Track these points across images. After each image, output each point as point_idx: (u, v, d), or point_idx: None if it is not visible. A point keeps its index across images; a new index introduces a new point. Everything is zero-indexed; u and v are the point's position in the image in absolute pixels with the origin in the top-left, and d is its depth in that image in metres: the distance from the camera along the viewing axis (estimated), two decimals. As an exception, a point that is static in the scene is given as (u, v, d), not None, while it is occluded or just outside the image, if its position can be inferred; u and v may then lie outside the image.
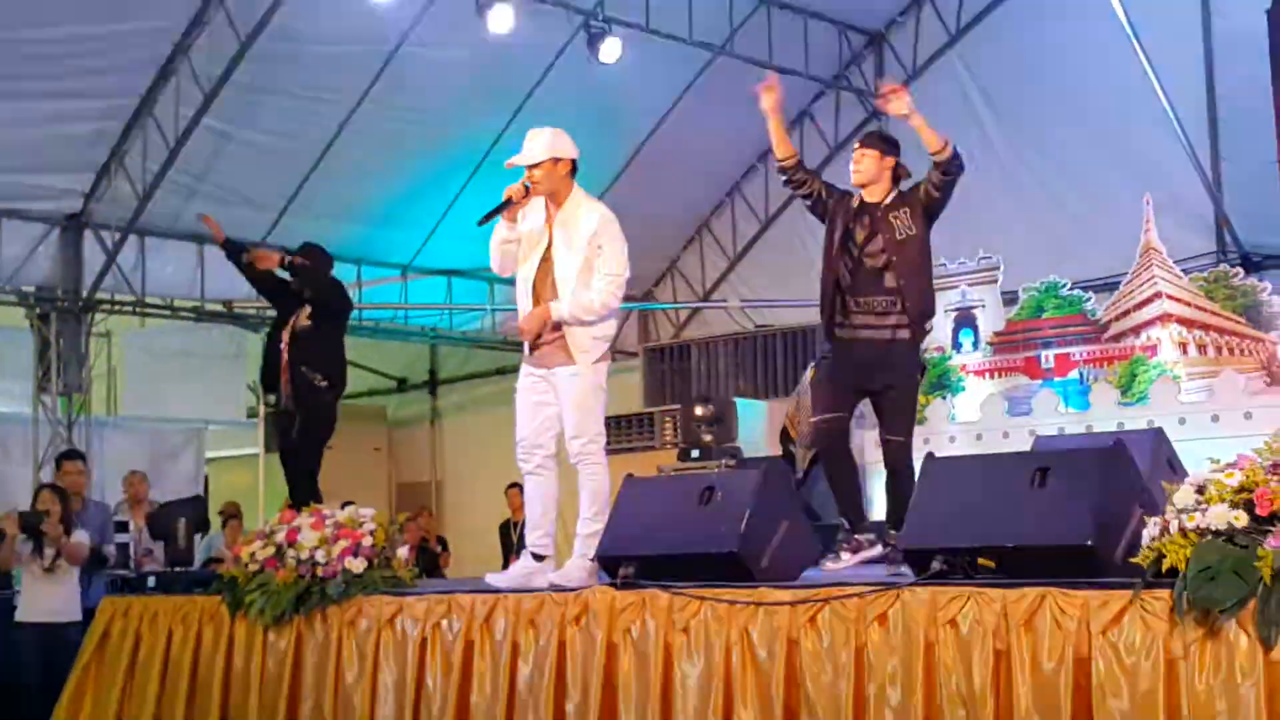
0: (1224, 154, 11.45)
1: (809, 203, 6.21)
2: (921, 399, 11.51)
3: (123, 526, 9.17)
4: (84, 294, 11.75)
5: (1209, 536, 3.73)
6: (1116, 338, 10.80)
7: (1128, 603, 3.89)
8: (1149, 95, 10.99)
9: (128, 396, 13.65)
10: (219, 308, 12.63)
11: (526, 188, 5.83)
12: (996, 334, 11.41)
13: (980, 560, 4.36)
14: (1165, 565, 3.81)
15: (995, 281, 11.49)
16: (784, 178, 6.31)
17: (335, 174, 12.29)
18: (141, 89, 10.99)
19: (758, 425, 12.32)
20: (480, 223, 6.01)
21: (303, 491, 7.43)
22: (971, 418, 11.20)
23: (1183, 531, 3.78)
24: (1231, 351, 10.26)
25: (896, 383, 5.91)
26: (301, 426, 7.75)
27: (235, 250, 8.66)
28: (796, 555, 5.27)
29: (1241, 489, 3.73)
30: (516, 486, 12.82)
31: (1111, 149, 11.79)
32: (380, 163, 12.49)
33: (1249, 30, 10.36)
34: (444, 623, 5.54)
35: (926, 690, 4.25)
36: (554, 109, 12.29)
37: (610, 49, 11.74)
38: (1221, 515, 3.71)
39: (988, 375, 11.39)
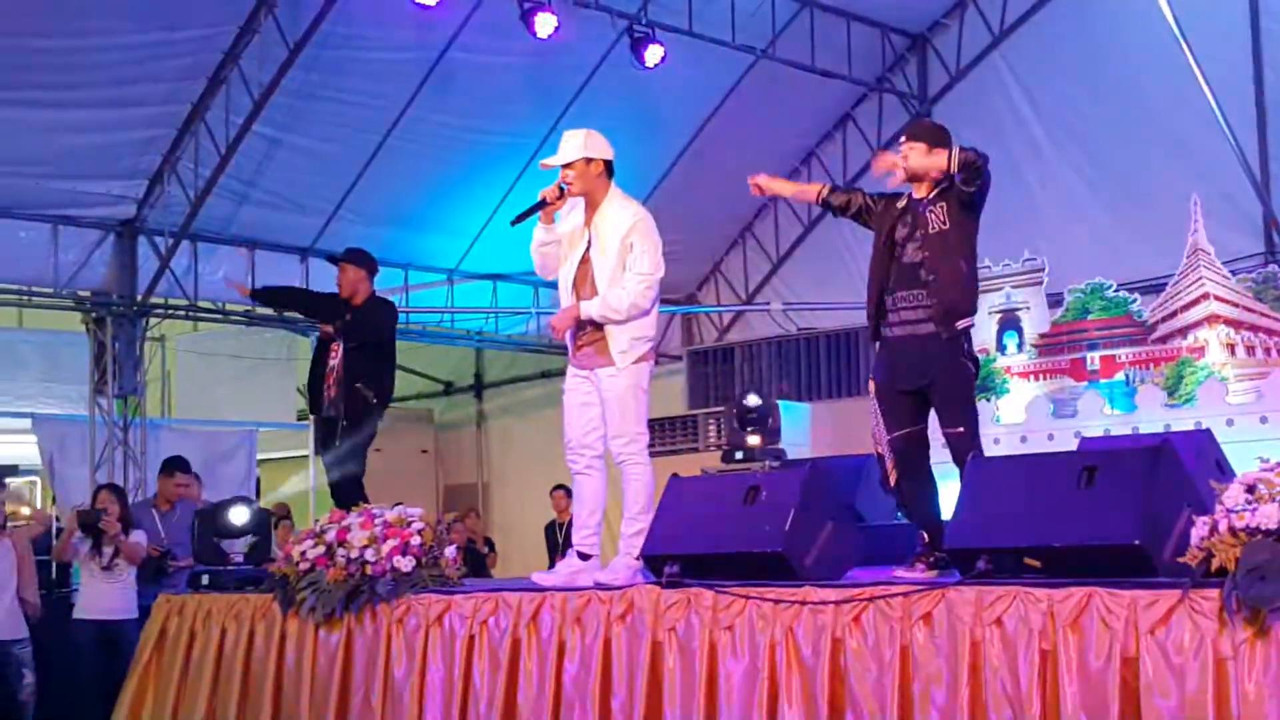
0: (1273, 154, 11.35)
1: (858, 220, 6.12)
2: (966, 401, 11.49)
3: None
4: (138, 299, 11.91)
5: (1259, 535, 3.72)
6: (1163, 339, 10.74)
7: (1176, 602, 3.88)
8: (1196, 95, 10.91)
9: (181, 399, 13.84)
10: (269, 312, 12.74)
11: (561, 189, 5.89)
12: (1041, 336, 11.37)
13: (1026, 560, 4.35)
14: (1214, 565, 3.80)
15: (1040, 283, 11.45)
16: (830, 213, 6.25)
17: (382, 179, 12.40)
18: (193, 96, 11.12)
19: (801, 428, 12.34)
20: (514, 222, 6.08)
21: (351, 496, 7.51)
22: (1016, 420, 11.16)
23: (1232, 531, 3.77)
24: (1281, 353, 10.19)
25: (940, 377, 5.74)
26: (345, 436, 7.82)
27: (266, 296, 8.92)
28: (841, 554, 5.28)
29: (1292, 488, 3.72)
30: (562, 488, 12.90)
31: (1158, 149, 11.72)
32: (426, 167, 12.59)
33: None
34: (491, 621, 5.59)
35: (972, 690, 4.26)
36: (598, 113, 12.35)
37: (653, 53, 11.79)
38: (1272, 514, 3.70)
39: (1032, 377, 11.35)
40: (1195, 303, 10.60)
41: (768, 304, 14.63)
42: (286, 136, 11.66)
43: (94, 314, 11.91)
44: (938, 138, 5.86)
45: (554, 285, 6.23)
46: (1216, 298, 10.52)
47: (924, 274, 5.73)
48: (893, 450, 5.78)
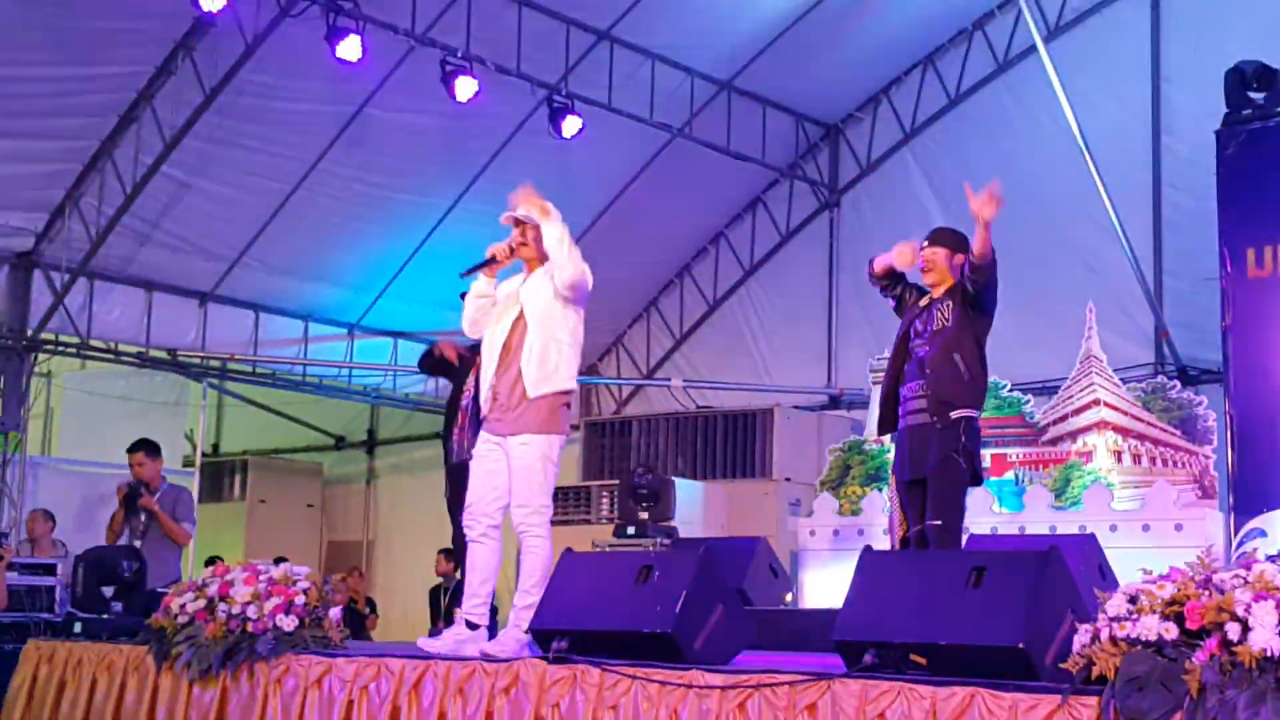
0: (1167, 267, 11.69)
1: (895, 304, 6.56)
2: (858, 490, 11.59)
3: (50, 569, 9.07)
4: (29, 333, 11.67)
5: (1139, 646, 3.77)
6: (1053, 441, 10.94)
7: (1055, 708, 3.91)
8: (1097, 205, 11.21)
9: (64, 438, 13.53)
10: (163, 354, 12.56)
11: (511, 248, 5.89)
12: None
13: (912, 656, 4.39)
14: (1094, 673, 3.84)
15: (936, 378, 11.59)
16: (877, 288, 6.67)
17: (289, 229, 12.32)
18: (103, 133, 11.00)
19: (694, 506, 12.35)
20: (463, 274, 6.01)
21: None
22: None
23: (1113, 640, 3.82)
24: (1165, 463, 10.42)
25: (930, 470, 6.09)
26: None
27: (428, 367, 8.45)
28: (730, 638, 5.28)
29: (1173, 601, 3.78)
30: (445, 551, 12.77)
31: (1057, 256, 11.99)
32: (334, 221, 12.53)
33: (1197, 148, 10.62)
34: (372, 686, 5.49)
35: (851, 782, 4.27)
36: (512, 179, 12.18)
37: (571, 124, 11.87)
38: (1152, 626, 3.75)
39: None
40: (1086, 408, 10.83)
41: (668, 380, 14.70)
42: (195, 180, 11.56)
43: (-19, 346, 11.66)
44: (958, 243, 6.31)
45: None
46: (1106, 404, 10.75)
47: (927, 369, 6.13)
48: (903, 546, 6.01)
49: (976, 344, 6.25)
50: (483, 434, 5.94)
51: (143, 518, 8.68)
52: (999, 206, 6.21)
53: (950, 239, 6.38)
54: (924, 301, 6.34)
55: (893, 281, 6.56)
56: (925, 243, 6.37)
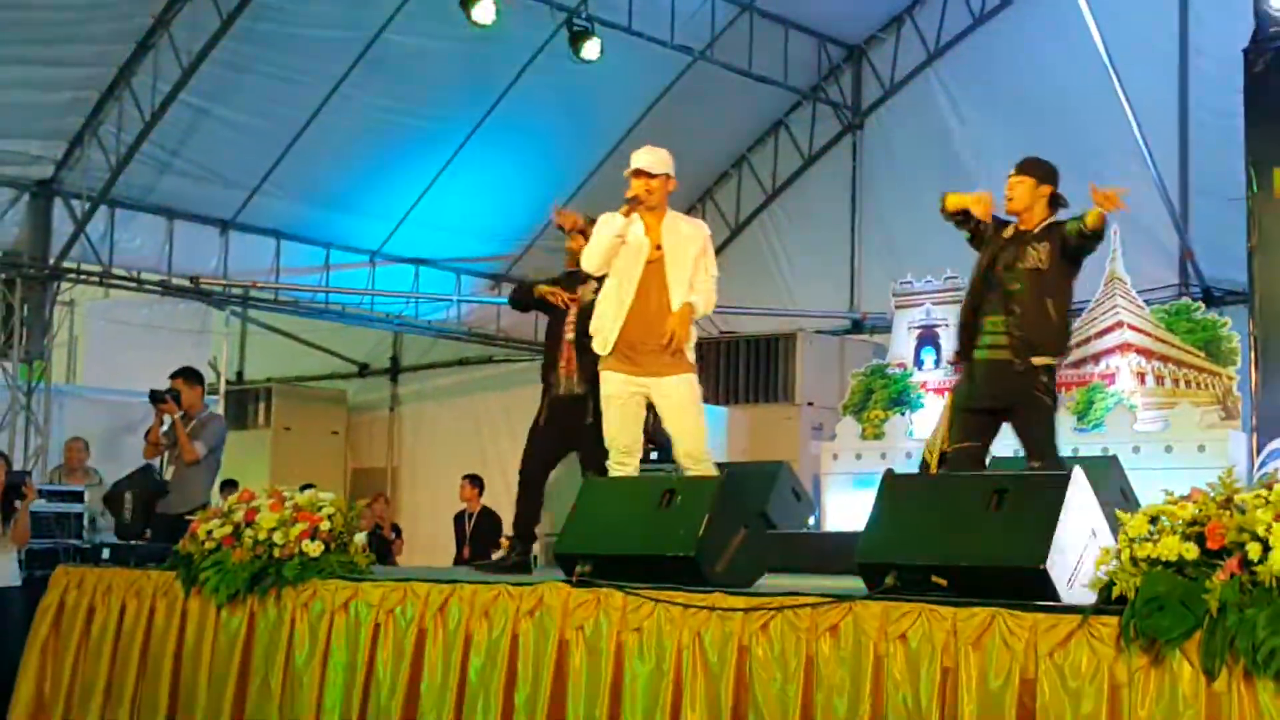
0: (1193, 187, 11.58)
1: (972, 236, 6.45)
2: (881, 413, 11.59)
3: (77, 496, 9.15)
4: (51, 261, 11.70)
5: (1159, 567, 3.78)
6: (1076, 364, 10.89)
7: (1076, 627, 3.94)
8: (1123, 126, 11.09)
9: (89, 367, 13.60)
10: (185, 283, 12.58)
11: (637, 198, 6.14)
12: (958, 353, 11.47)
13: (934, 577, 4.40)
14: (1115, 593, 3.86)
15: (959, 301, 11.55)
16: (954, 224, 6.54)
17: (309, 156, 12.28)
18: (120, 60, 10.96)
19: (717, 431, 12.38)
20: (626, 211, 6.15)
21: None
22: (929, 435, 11.25)
23: (1134, 560, 3.84)
24: (1189, 384, 10.38)
25: (1020, 406, 6.08)
26: (596, 408, 6.71)
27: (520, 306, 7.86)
28: (752, 562, 5.31)
29: (1194, 522, 3.78)
30: (469, 478, 12.83)
31: (1082, 176, 11.72)
32: (354, 147, 12.49)
33: (1225, 68, 10.50)
34: (398, 609, 5.55)
35: (874, 703, 4.29)
36: (532, 104, 12.35)
37: (591, 47, 11.78)
38: (1173, 546, 3.76)
39: (948, 394, 11.43)
40: (1109, 330, 10.78)
41: (690, 305, 14.64)
42: (213, 107, 11.52)
43: (4, 275, 11.68)
44: (1045, 174, 6.23)
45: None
46: (1130, 326, 10.70)
47: (1014, 305, 6.05)
48: (944, 461, 6.01)
49: (1068, 292, 6.19)
50: (624, 377, 6.18)
51: (164, 425, 8.71)
52: (1115, 207, 6.10)
53: (1037, 169, 6.26)
54: (1009, 232, 6.21)
55: (965, 218, 6.41)
56: (1013, 170, 6.26)
